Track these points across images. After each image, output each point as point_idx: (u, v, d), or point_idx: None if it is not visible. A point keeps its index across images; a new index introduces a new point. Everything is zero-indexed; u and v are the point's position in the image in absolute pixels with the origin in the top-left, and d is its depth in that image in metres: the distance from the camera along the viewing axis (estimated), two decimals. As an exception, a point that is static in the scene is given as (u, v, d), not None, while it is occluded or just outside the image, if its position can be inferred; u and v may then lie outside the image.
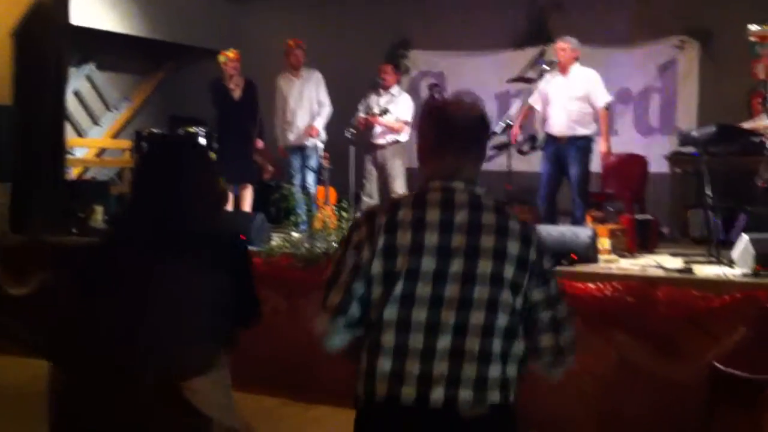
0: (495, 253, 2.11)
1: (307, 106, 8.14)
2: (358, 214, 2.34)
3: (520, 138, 7.20)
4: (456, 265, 2.09)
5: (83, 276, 2.37)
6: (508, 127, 7.06)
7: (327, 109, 8.16)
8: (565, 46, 6.94)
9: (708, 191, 5.89)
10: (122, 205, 2.44)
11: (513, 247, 2.13)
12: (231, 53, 7.99)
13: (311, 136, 7.91)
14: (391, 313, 2.08)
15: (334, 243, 6.00)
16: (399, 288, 2.08)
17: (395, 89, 7.93)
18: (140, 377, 2.26)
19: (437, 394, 2.04)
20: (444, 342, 2.06)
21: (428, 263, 2.09)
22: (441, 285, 2.08)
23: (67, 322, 2.37)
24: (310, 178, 8.00)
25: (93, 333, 2.29)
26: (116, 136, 10.78)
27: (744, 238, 5.22)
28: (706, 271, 5.21)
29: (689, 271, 5.14)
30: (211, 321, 2.34)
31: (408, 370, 2.06)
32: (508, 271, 2.11)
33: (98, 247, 2.49)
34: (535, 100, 7.20)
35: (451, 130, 2.23)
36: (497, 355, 2.08)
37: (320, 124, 8.04)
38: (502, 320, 2.09)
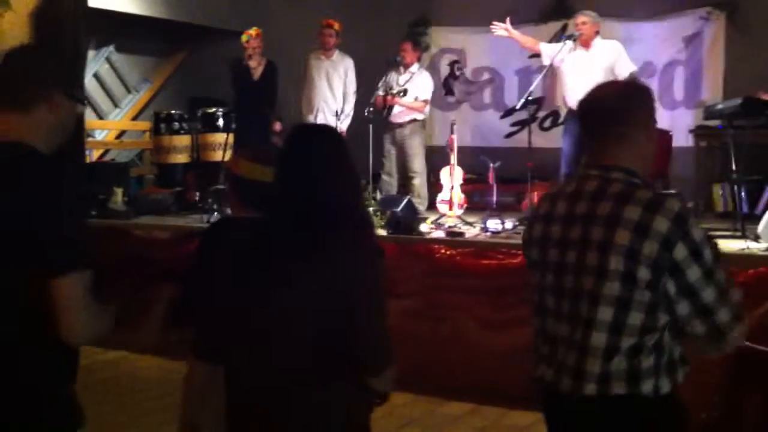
0: (600, 245, 2.06)
1: (330, 90, 8.03)
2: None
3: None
4: (571, 257, 2.12)
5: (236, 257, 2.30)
6: (529, 103, 6.96)
7: (350, 105, 8.04)
8: (585, 19, 6.83)
9: (733, 165, 5.78)
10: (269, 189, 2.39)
11: (622, 238, 2.03)
12: (253, 31, 7.95)
13: None
14: (534, 299, 2.26)
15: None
16: (536, 277, 2.24)
17: (415, 67, 7.82)
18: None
19: (566, 381, 2.11)
20: (563, 330, 2.13)
21: (553, 254, 2.18)
22: (561, 275, 2.15)
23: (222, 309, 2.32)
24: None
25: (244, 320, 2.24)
26: (136, 117, 10.80)
27: (769, 212, 5.11)
28: (730, 245, 5.10)
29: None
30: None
31: (543, 353, 2.21)
32: (615, 263, 2.03)
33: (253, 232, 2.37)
34: (545, 58, 7.08)
35: (582, 119, 2.29)
36: (603, 350, 2.05)
37: (345, 124, 7.90)
38: (605, 314, 2.05)
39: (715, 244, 2.10)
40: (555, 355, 2.15)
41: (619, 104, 2.21)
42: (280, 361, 2.18)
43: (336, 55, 8.09)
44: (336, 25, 8.03)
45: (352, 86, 8.08)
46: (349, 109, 8.03)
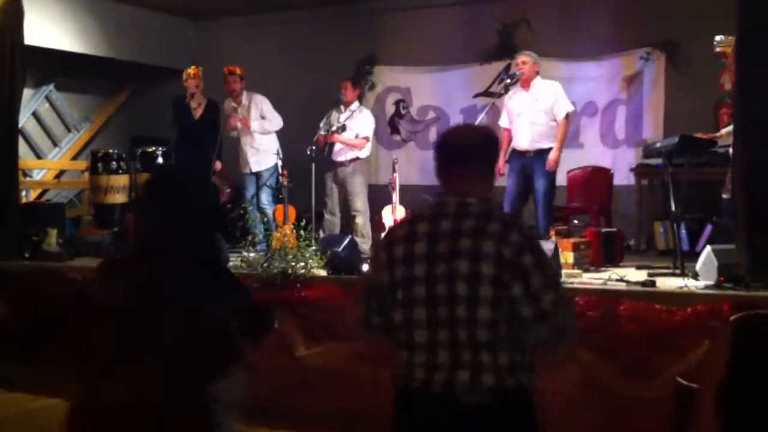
0: (472, 254, 2.35)
1: (250, 135, 7.90)
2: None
3: (506, 170, 7.02)
4: (441, 268, 2.37)
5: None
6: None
7: (272, 125, 7.94)
8: (526, 59, 6.87)
9: (673, 203, 5.79)
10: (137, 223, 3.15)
11: (488, 247, 2.35)
12: (192, 70, 7.86)
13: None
14: (398, 315, 2.45)
15: (292, 262, 5.85)
16: (400, 294, 2.44)
17: (355, 105, 7.77)
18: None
19: (439, 377, 2.35)
20: (442, 334, 2.36)
21: (420, 269, 2.41)
22: (432, 286, 2.38)
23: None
24: (265, 196, 7.80)
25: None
26: (77, 157, 10.57)
27: (707, 250, 5.11)
28: (669, 283, 5.08)
29: (652, 284, 5.01)
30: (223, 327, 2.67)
31: (417, 360, 2.40)
32: (486, 269, 2.33)
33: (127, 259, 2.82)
34: (505, 121, 7.10)
35: (445, 154, 2.59)
36: (485, 343, 2.33)
37: (266, 125, 7.89)
38: (483, 313, 2.32)
39: (559, 266, 2.58)
40: (434, 359, 2.37)
41: (481, 146, 2.61)
42: None
43: (244, 98, 7.97)
44: (239, 70, 7.93)
45: (272, 115, 7.95)
46: (275, 127, 7.95)
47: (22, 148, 9.26)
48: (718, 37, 7.33)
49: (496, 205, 2.58)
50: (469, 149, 2.57)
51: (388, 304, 2.49)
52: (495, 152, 2.66)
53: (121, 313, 2.57)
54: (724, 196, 5.98)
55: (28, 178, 9.77)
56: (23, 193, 9.00)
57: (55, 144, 10.49)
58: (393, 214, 7.14)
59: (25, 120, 9.68)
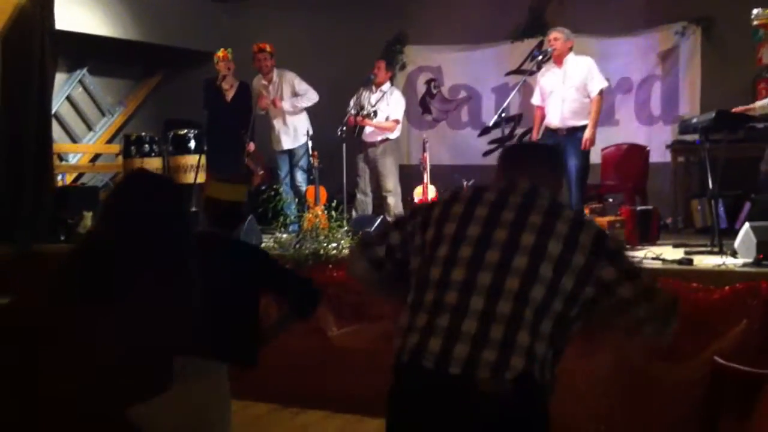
0: (541, 228, 2.21)
1: (282, 114, 7.92)
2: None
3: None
4: (501, 234, 2.21)
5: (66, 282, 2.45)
6: (506, 120, 6.89)
7: (305, 100, 7.93)
8: (558, 35, 6.77)
9: (710, 180, 5.68)
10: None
11: (562, 227, 2.22)
12: (221, 53, 7.85)
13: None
14: (434, 272, 2.23)
15: (324, 243, 5.84)
16: (444, 250, 2.24)
17: (386, 86, 7.73)
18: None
19: (459, 351, 2.09)
20: (477, 303, 2.14)
21: (474, 230, 2.24)
22: (483, 248, 2.20)
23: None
24: (300, 174, 7.81)
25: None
26: (111, 140, 10.64)
27: (746, 227, 5.01)
28: (707, 261, 5.00)
29: (689, 262, 4.94)
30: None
31: (439, 323, 2.15)
32: (553, 246, 2.18)
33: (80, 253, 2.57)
34: (537, 99, 7.01)
35: (511, 159, 2.58)
36: (527, 323, 2.12)
37: (298, 102, 7.91)
38: (537, 291, 2.14)
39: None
40: (458, 325, 2.14)
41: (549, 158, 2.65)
42: None
43: (275, 75, 7.96)
44: (269, 48, 7.91)
45: (306, 89, 7.93)
46: (308, 103, 7.93)
47: (58, 132, 9.34)
48: (755, 11, 7.14)
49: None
50: (537, 159, 2.59)
51: (415, 257, 2.33)
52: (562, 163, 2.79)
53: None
54: (764, 169, 5.85)
55: (63, 162, 9.87)
56: (59, 177, 9.10)
57: (89, 128, 10.56)
58: (424, 193, 7.09)
59: (59, 104, 9.75)
